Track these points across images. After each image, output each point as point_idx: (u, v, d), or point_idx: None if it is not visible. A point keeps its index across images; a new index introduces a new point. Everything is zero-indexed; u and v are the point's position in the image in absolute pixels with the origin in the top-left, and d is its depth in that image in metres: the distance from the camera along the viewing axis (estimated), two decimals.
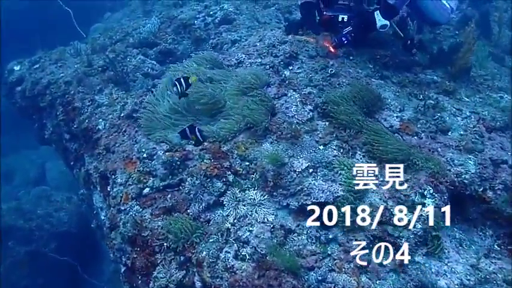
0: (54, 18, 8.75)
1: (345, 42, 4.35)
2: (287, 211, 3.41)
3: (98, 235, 5.71)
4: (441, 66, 4.79)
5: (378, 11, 4.30)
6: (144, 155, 3.96)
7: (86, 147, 5.13)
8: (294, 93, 4.00)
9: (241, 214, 3.37)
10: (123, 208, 3.81)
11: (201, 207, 3.51)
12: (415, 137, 3.85)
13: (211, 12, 6.43)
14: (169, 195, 3.68)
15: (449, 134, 3.96)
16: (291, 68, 4.31)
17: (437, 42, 5.43)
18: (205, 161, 3.69)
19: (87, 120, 5.00)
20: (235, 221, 3.35)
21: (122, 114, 4.63)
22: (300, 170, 3.39)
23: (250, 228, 3.29)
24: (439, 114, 4.03)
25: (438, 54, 4.75)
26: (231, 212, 3.40)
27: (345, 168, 3.38)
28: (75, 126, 5.14)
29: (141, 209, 3.71)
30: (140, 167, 3.90)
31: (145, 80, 5.64)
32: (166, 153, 3.87)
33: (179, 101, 4.09)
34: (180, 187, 3.66)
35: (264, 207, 3.39)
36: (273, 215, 3.36)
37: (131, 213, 3.73)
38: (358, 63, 4.47)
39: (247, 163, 3.64)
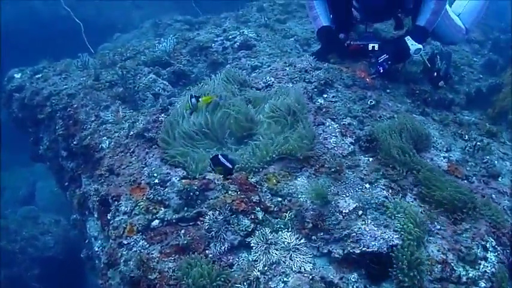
0: (64, 30, 8.14)
1: (382, 71, 3.86)
2: (327, 259, 2.69)
3: (88, 266, 4.84)
4: (477, 107, 4.28)
5: (409, 36, 3.91)
6: (156, 181, 3.23)
7: (85, 168, 4.36)
8: (332, 122, 3.37)
9: (272, 260, 2.63)
10: (125, 242, 3.03)
11: (223, 248, 2.76)
12: (465, 181, 3.24)
13: (230, 37, 5.88)
14: (183, 231, 2.93)
15: (499, 179, 3.37)
16: (325, 96, 3.70)
17: (464, 85, 4.96)
18: (230, 192, 2.98)
19: (89, 137, 4.25)
20: (265, 268, 2.60)
21: (131, 133, 3.91)
22: (348, 211, 2.70)
23: (285, 279, 2.55)
24: (487, 157, 3.45)
25: (476, 95, 4.24)
26: (261, 257, 2.67)
27: (402, 211, 2.71)
28: (74, 142, 4.38)
29: (148, 245, 2.94)
30: (150, 194, 3.15)
31: (155, 100, 5.00)
32: (183, 181, 3.15)
33: (203, 120, 3.42)
34: (198, 222, 2.93)
35: (300, 254, 2.67)
36: (310, 263, 2.64)
37: (135, 249, 2.95)
38: (396, 96, 3.91)
39: (279, 199, 2.94)
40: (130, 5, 10.45)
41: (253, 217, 2.84)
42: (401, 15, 4.28)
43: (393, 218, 2.71)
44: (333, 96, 3.68)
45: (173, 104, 3.94)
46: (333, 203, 2.73)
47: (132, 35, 8.68)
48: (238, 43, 5.77)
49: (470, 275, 2.62)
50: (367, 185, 2.94)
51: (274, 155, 3.08)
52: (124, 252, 2.97)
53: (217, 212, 2.85)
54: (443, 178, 2.94)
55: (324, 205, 2.74)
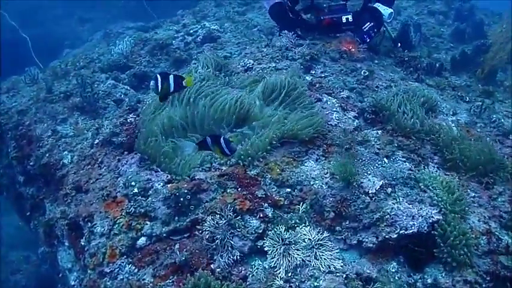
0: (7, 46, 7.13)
1: (368, 40, 3.52)
2: (358, 252, 2.16)
3: None
4: (462, 71, 3.93)
5: (378, 3, 3.69)
6: (135, 190, 2.56)
7: (47, 191, 3.57)
8: (330, 97, 2.85)
9: (296, 263, 2.06)
10: (108, 270, 2.34)
11: (232, 258, 2.16)
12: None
13: (191, 31, 5.25)
14: (177, 246, 2.29)
15: (510, 137, 2.99)
16: (313, 72, 3.19)
17: (442, 53, 4.64)
18: (228, 190, 2.37)
19: (47, 154, 3.49)
20: (289, 274, 2.03)
21: (96, 142, 3.21)
22: (374, 190, 2.18)
23: (315, 284, 1.99)
24: (494, 117, 3.07)
25: (461, 57, 3.89)
26: (280, 262, 2.08)
27: (434, 182, 2.22)
28: (31, 163, 3.61)
29: (136, 270, 2.27)
30: (130, 208, 2.48)
31: (118, 107, 4.29)
32: (168, 186, 2.52)
33: (183, 112, 2.79)
34: (195, 232, 2.31)
35: (326, 250, 2.11)
36: (339, 259, 2.10)
37: (121, 276, 2.28)
38: (385, 66, 3.47)
39: (287, 190, 2.37)
40: (76, 20, 9.51)
41: (261, 215, 2.25)
42: None
43: (426, 191, 2.22)
44: (322, 72, 3.19)
45: (142, 102, 3.28)
46: (354, 183, 2.20)
47: (82, 50, 7.80)
48: (201, 37, 5.14)
49: None
50: (386, 160, 2.44)
51: (274, 141, 2.51)
52: (108, 283, 2.29)
53: (218, 215, 2.24)
54: (467, 142, 2.49)
55: (345, 188, 2.20)
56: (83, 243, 2.66)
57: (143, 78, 4.77)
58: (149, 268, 2.26)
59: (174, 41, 5.14)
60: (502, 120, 3.09)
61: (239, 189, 2.36)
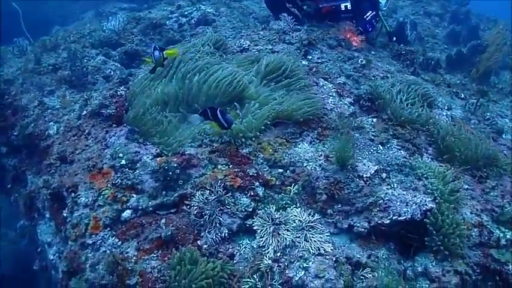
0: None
1: (370, 29, 3.54)
2: (348, 236, 2.09)
3: (43, 280, 3.88)
4: (457, 70, 3.92)
5: None
6: (122, 162, 2.45)
7: (30, 162, 3.42)
8: (326, 82, 2.78)
9: (285, 243, 1.99)
10: (90, 241, 2.23)
11: (219, 235, 2.07)
12: None
13: (185, 13, 5.11)
14: (163, 220, 2.19)
15: (503, 136, 2.98)
16: (309, 57, 3.11)
17: (433, 51, 4.63)
18: (219, 167, 2.29)
19: (32, 125, 3.34)
20: (278, 254, 1.96)
21: (84, 113, 3.07)
22: (369, 175, 2.12)
23: (305, 265, 1.92)
24: (488, 114, 3.05)
25: (457, 56, 3.87)
26: (269, 241, 2.01)
27: (429, 171, 2.18)
28: (15, 133, 3.44)
29: (120, 242, 2.17)
30: (116, 179, 2.37)
31: (107, 83, 4.14)
32: (157, 159, 2.41)
33: (176, 86, 2.69)
34: (182, 208, 2.22)
35: (316, 232, 2.05)
36: (330, 243, 2.03)
37: (104, 248, 2.18)
38: (382, 58, 3.42)
39: (279, 170, 2.29)
40: None
41: (252, 194, 2.17)
42: None
43: (421, 179, 2.17)
44: (318, 58, 3.11)
45: (133, 75, 3.16)
46: (349, 167, 2.13)
47: (73, 28, 7.56)
48: (195, 19, 5.01)
49: (508, 236, 2.15)
50: (380, 146, 2.39)
51: (268, 121, 2.42)
52: (90, 255, 2.18)
53: (208, 191, 2.15)
54: (463, 135, 2.45)
55: (339, 170, 2.14)
56: (65, 215, 2.53)
57: (134, 56, 4.61)
58: (133, 241, 2.15)
59: (168, 22, 5.00)
60: (496, 118, 3.08)
61: (230, 166, 2.27)
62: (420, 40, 4.94)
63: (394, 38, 3.95)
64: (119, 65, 4.39)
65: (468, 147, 2.36)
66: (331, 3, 3.67)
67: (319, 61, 3.05)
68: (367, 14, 3.50)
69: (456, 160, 2.36)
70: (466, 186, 2.28)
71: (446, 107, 2.95)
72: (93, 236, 2.25)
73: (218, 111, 2.09)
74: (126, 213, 2.28)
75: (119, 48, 4.60)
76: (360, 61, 3.07)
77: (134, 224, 2.23)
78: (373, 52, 3.44)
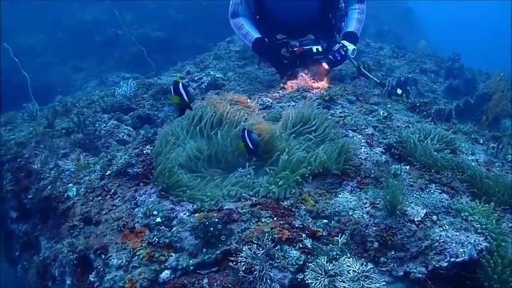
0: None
1: (339, 58, 3.85)
2: (404, 284, 2.01)
3: None
4: (466, 119, 4.09)
5: (345, 40, 4.06)
6: (158, 220, 2.38)
7: (44, 226, 3.28)
8: (355, 133, 2.85)
9: None
10: None
11: None
12: None
13: (195, 78, 5.32)
14: (205, 280, 2.08)
15: None
16: (332, 112, 3.22)
17: (437, 105, 4.84)
18: (263, 220, 2.23)
19: (49, 187, 3.26)
20: None
21: (108, 172, 3.02)
22: (420, 218, 2.09)
23: None
24: (509, 157, 3.14)
25: (465, 106, 4.06)
26: None
27: (476, 212, 2.17)
28: (29, 196, 3.33)
29: None
30: (153, 238, 2.28)
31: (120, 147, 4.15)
32: (196, 215, 2.35)
33: (201, 144, 2.71)
34: (225, 265, 2.12)
35: (372, 282, 1.97)
36: None
37: None
38: (399, 111, 3.54)
39: (324, 221, 2.26)
40: (70, 67, 9.53)
41: (301, 246, 2.11)
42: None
43: (468, 219, 2.16)
44: (340, 112, 3.21)
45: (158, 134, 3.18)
46: (398, 212, 2.11)
47: (79, 96, 7.73)
48: (205, 83, 5.19)
49: None
50: (421, 192, 2.40)
51: (306, 175, 2.43)
52: None
53: (255, 245, 2.08)
54: (493, 177, 2.49)
55: (388, 216, 2.11)
56: (92, 279, 2.38)
57: (146, 120, 4.71)
58: None
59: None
60: None
61: (275, 218, 2.22)
62: (421, 95, 5.18)
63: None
64: (131, 129, 4.45)
65: (503, 187, 2.39)
66: (303, 46, 4.02)
67: (342, 115, 3.15)
68: (335, 47, 3.85)
69: (494, 201, 2.37)
70: (510, 224, 2.27)
71: (470, 152, 3.02)
72: None
73: (246, 132, 2.14)
74: (165, 274, 2.16)
75: (131, 112, 4.69)
76: (381, 113, 3.18)
77: (175, 284, 2.11)
78: (389, 105, 3.57)
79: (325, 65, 3.86)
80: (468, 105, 4.02)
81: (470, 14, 33.57)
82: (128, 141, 4.21)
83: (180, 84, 2.65)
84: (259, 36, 4.22)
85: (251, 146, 2.27)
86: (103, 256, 2.37)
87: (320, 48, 3.94)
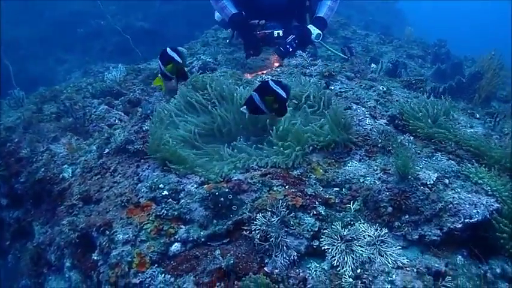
0: None
1: (291, 50, 3.95)
2: (419, 248, 1.99)
3: None
4: (459, 98, 4.13)
5: (311, 24, 4.22)
6: (165, 192, 2.28)
7: (37, 212, 3.13)
8: (358, 106, 2.82)
9: (362, 259, 1.86)
10: (136, 281, 1.98)
11: (287, 259, 1.91)
12: None
13: (187, 63, 5.19)
14: (217, 252, 2.01)
15: None
16: (332, 88, 3.18)
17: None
18: (275, 189, 2.17)
19: (43, 169, 3.10)
20: (358, 271, 1.82)
21: (107, 151, 2.90)
22: (432, 182, 2.07)
23: (389, 278, 1.78)
24: (505, 130, 3.17)
25: (457, 85, 4.09)
26: (344, 259, 1.87)
27: (484, 176, 2.17)
28: (21, 180, 3.17)
29: (172, 279, 1.95)
30: (161, 210, 2.19)
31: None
32: (205, 186, 2.26)
33: (201, 119, 2.62)
34: (237, 235, 2.05)
35: (388, 246, 1.94)
36: (404, 256, 1.92)
37: (154, 287, 1.94)
38: (396, 88, 3.53)
39: (336, 189, 2.21)
40: (53, 60, 9.20)
41: (315, 212, 2.06)
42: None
43: (479, 183, 2.15)
44: (340, 88, 3.18)
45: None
46: (410, 176, 2.09)
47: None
48: (197, 67, 5.05)
49: None
50: (429, 159, 2.38)
51: (308, 150, 2.38)
52: None
53: (269, 212, 2.01)
54: (496, 147, 2.50)
55: (401, 181, 2.08)
56: (95, 258, 2.27)
57: (137, 104, 4.56)
58: (190, 276, 1.93)
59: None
60: None
61: (287, 186, 2.17)
62: None
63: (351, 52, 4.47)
64: (123, 114, 4.30)
65: (502, 154, 2.40)
66: (266, 30, 4.22)
67: (343, 90, 3.12)
68: (289, 38, 3.98)
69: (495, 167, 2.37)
70: None
71: (468, 125, 3.04)
72: (140, 274, 2.00)
73: (271, 83, 2.12)
74: (175, 247, 2.08)
75: (122, 97, 4.54)
76: (381, 88, 3.17)
77: (187, 256, 2.02)
78: (385, 82, 3.56)
79: (276, 56, 4.04)
80: (461, 85, 4.06)
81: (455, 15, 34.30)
82: (118, 127, 4.09)
83: (168, 49, 2.52)
84: (237, 11, 4.33)
85: (284, 95, 2.21)
86: (107, 232, 2.25)
87: (281, 33, 4.13)
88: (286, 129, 2.43)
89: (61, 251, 2.64)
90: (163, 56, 2.61)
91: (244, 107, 2.34)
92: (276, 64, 3.92)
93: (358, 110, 2.75)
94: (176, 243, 2.09)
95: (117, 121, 4.14)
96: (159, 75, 2.74)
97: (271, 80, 2.25)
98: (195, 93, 2.82)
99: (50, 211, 3.04)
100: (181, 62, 2.56)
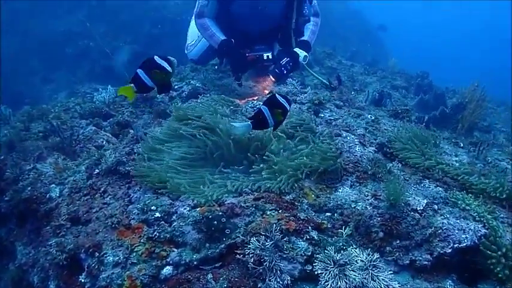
0: None
1: (285, 72, 3.95)
2: (410, 272, 2.02)
3: None
4: (442, 127, 4.28)
5: (297, 48, 4.23)
6: (156, 215, 2.26)
7: (20, 232, 3.04)
8: (348, 133, 2.89)
9: (355, 284, 1.87)
10: None
11: (280, 284, 1.90)
12: None
13: (175, 87, 5.23)
14: (210, 276, 1.99)
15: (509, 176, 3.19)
16: (322, 115, 3.26)
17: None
18: (268, 213, 2.18)
19: (29, 188, 3.04)
20: None
21: (97, 171, 2.87)
22: (422, 208, 2.12)
23: None
24: (489, 159, 3.29)
25: (441, 115, 4.25)
26: (337, 284, 1.87)
27: (471, 203, 2.24)
28: (6, 198, 3.08)
29: None
30: (153, 232, 2.16)
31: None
32: (198, 209, 2.26)
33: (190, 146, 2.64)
34: (230, 259, 2.04)
35: (380, 271, 1.96)
36: (395, 280, 1.94)
37: None
38: (383, 116, 3.65)
39: (328, 214, 2.24)
40: (39, 78, 9.11)
41: (308, 237, 2.07)
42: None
43: (466, 210, 2.22)
44: (329, 116, 3.26)
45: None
46: (401, 202, 2.14)
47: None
48: (186, 92, 5.11)
49: None
50: (417, 185, 2.45)
51: (302, 176, 2.42)
52: None
53: (263, 236, 2.02)
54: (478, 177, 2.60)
55: (391, 207, 2.13)
56: (83, 280, 2.21)
57: (126, 127, 4.55)
58: None
59: (158, 95, 5.05)
60: (498, 161, 3.32)
61: (280, 211, 2.18)
62: None
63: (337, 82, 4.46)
64: (110, 136, 4.28)
65: (489, 184, 2.49)
66: (255, 53, 4.18)
67: (332, 117, 3.20)
68: (283, 60, 3.98)
69: (485, 196, 2.46)
70: (502, 215, 2.35)
71: (453, 154, 3.14)
72: None
73: (277, 96, 2.17)
74: (167, 270, 2.05)
75: (110, 119, 4.53)
76: (369, 116, 3.26)
77: (179, 280, 2.00)
78: (372, 112, 3.67)
79: (272, 78, 4.05)
80: (444, 115, 4.22)
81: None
82: (108, 148, 4.05)
83: (156, 56, 2.20)
84: (226, 38, 4.32)
85: (288, 107, 2.27)
86: (96, 254, 2.21)
87: (270, 56, 4.12)
88: (279, 156, 2.48)
89: (45, 273, 2.55)
90: (149, 63, 2.24)
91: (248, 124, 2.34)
92: (266, 91, 3.99)
93: (348, 138, 2.82)
94: (168, 267, 2.07)
95: (104, 142, 4.11)
96: (130, 84, 2.29)
97: (277, 93, 2.33)
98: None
99: (34, 231, 2.96)
100: (171, 71, 2.26)
